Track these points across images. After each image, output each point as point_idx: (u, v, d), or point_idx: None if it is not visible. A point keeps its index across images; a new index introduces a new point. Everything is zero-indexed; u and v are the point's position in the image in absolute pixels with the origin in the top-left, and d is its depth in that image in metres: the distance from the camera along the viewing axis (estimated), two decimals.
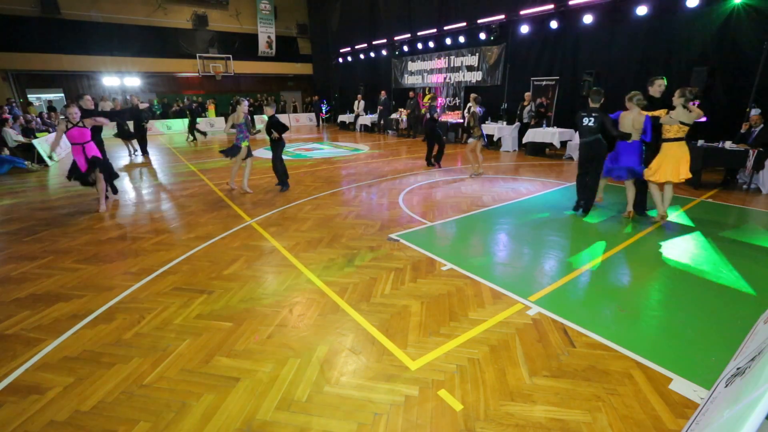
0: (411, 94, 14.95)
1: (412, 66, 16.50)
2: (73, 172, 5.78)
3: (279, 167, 6.92)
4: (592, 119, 5.03)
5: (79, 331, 2.90)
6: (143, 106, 10.95)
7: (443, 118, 13.85)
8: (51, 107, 16.66)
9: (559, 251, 4.26)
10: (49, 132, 11.75)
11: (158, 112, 18.50)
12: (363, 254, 4.21)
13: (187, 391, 2.28)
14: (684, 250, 4.21)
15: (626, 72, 9.45)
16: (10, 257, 4.31)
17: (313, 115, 22.05)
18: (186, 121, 16.79)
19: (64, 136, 5.68)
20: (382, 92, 16.45)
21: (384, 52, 17.63)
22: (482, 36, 12.79)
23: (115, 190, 6.75)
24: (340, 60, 20.95)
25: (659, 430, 1.97)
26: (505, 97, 12.67)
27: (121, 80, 19.27)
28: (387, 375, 2.38)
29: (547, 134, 10.14)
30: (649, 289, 3.41)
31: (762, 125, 6.71)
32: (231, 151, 6.60)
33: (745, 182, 6.93)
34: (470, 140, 8.01)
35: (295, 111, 22.38)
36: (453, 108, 14.67)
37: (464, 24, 13.44)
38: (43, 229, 5.19)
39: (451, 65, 14.66)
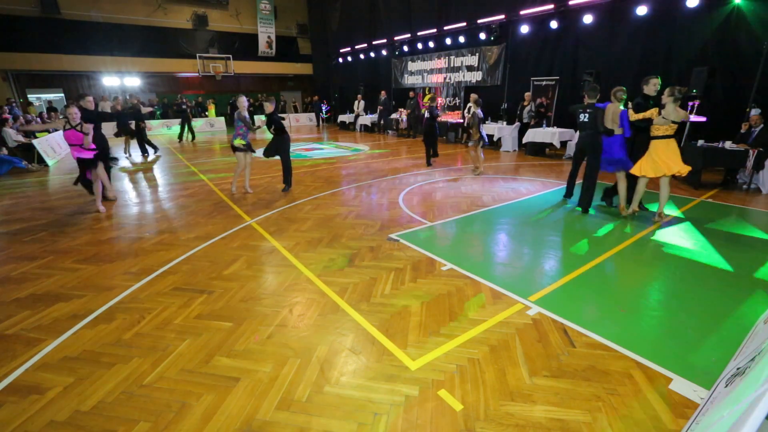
0: (411, 94, 14.95)
1: (412, 66, 16.50)
2: (80, 178, 5.78)
3: (288, 164, 6.90)
4: (587, 115, 5.23)
5: (79, 331, 2.90)
6: (146, 110, 10.86)
7: (443, 118, 13.85)
8: (51, 107, 16.66)
9: (559, 251, 4.26)
10: (49, 132, 11.74)
11: (158, 113, 18.50)
12: (363, 254, 4.21)
13: (187, 391, 2.28)
14: (684, 250, 4.21)
15: (626, 72, 9.44)
16: (10, 257, 4.31)
17: (313, 115, 22.05)
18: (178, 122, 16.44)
19: (62, 133, 5.66)
20: (382, 92, 16.45)
21: (384, 52, 17.64)
22: (482, 36, 12.79)
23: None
24: (340, 60, 20.96)
25: (659, 430, 1.97)
26: (505, 97, 12.66)
27: (121, 80, 19.27)
28: (387, 375, 2.38)
29: (547, 134, 10.14)
30: (649, 289, 3.41)
31: (762, 125, 6.72)
32: (248, 146, 6.53)
33: (745, 182, 6.93)
34: (470, 143, 8.14)
35: (294, 111, 22.38)
36: (453, 108, 14.67)
37: (464, 24, 13.44)
38: (43, 229, 5.19)
39: (451, 65, 14.66)
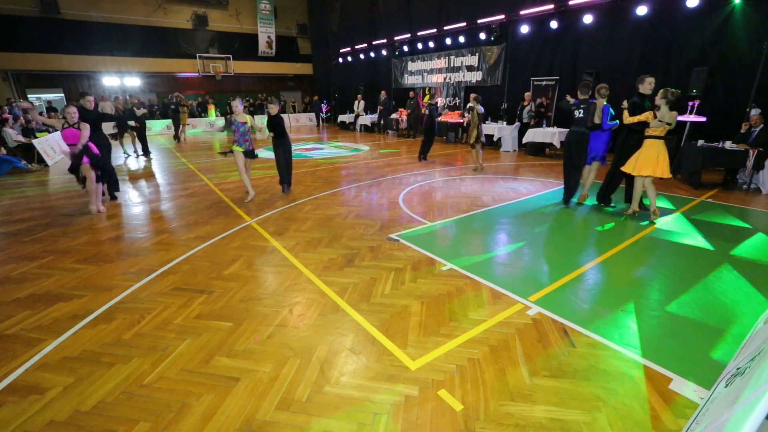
0: (411, 94, 14.95)
1: (412, 66, 16.50)
2: (72, 166, 5.75)
3: (290, 167, 6.89)
4: (582, 111, 5.45)
5: (79, 331, 2.90)
6: (140, 112, 10.81)
7: (444, 119, 13.85)
8: (51, 107, 16.65)
9: (559, 251, 4.26)
10: (50, 132, 11.74)
11: (157, 113, 18.47)
12: (363, 254, 4.21)
13: (187, 391, 2.28)
14: (684, 250, 4.21)
15: (626, 72, 9.44)
16: (10, 257, 4.31)
17: (313, 115, 22.06)
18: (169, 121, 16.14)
19: (60, 135, 5.64)
20: (382, 92, 16.45)
21: (384, 52, 17.63)
22: (482, 36, 12.78)
23: (113, 197, 6.68)
24: (340, 60, 20.95)
25: (659, 430, 1.97)
26: (505, 97, 12.66)
27: (121, 80, 19.27)
28: (387, 375, 2.38)
29: (547, 134, 10.14)
30: (649, 289, 3.41)
31: (762, 125, 6.72)
32: (251, 153, 6.29)
33: (745, 182, 6.93)
34: (471, 142, 8.37)
35: (293, 111, 22.38)
36: (453, 108, 14.67)
37: (464, 24, 13.43)
38: (43, 229, 5.19)
39: (451, 65, 14.66)
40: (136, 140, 11.40)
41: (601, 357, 2.50)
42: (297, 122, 21.66)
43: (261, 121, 6.23)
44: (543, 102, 11.21)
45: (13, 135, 10.16)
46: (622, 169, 5.15)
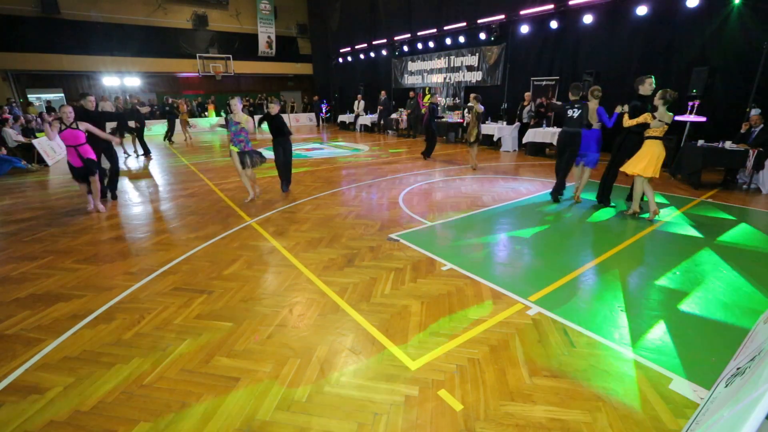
0: (411, 94, 14.95)
1: (412, 66, 16.50)
2: (72, 172, 5.73)
3: (289, 167, 6.88)
4: (576, 111, 5.54)
5: (79, 331, 2.90)
6: (144, 110, 10.87)
7: (445, 119, 13.86)
8: (50, 107, 16.65)
9: (558, 251, 4.26)
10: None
11: (158, 112, 18.47)
12: (363, 254, 4.21)
13: (187, 391, 2.28)
14: (683, 249, 4.20)
15: (626, 72, 9.44)
16: (10, 257, 4.31)
17: (312, 115, 22.06)
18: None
19: (58, 137, 5.56)
20: (382, 92, 16.45)
21: (384, 52, 17.63)
22: (482, 36, 12.79)
23: (114, 196, 6.68)
24: (340, 60, 20.95)
25: (659, 430, 1.97)
26: (505, 97, 12.67)
27: (121, 80, 19.26)
28: (387, 375, 2.38)
29: (547, 134, 10.14)
30: (649, 289, 3.41)
31: (762, 125, 6.72)
32: (260, 158, 6.18)
33: (745, 182, 6.93)
34: (471, 142, 8.58)
35: (292, 111, 22.38)
36: (453, 108, 14.67)
37: (464, 24, 13.43)
38: (43, 229, 5.19)
39: (451, 65, 14.66)
40: (136, 140, 11.42)
41: (601, 357, 2.50)
42: (297, 122, 21.65)
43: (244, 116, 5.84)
44: (543, 102, 11.20)
45: (13, 135, 10.16)
46: (622, 169, 5.14)
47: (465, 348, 2.62)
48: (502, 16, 12.09)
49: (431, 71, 15.64)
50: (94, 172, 5.73)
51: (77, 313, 3.14)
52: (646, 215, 5.12)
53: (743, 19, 7.83)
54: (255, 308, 3.18)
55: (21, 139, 10.28)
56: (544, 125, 10.74)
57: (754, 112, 7.02)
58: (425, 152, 10.20)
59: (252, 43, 21.70)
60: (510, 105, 12.29)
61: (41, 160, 10.26)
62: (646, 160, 4.85)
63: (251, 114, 17.81)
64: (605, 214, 5.49)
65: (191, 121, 17.72)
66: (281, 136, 6.57)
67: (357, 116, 17.90)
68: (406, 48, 16.19)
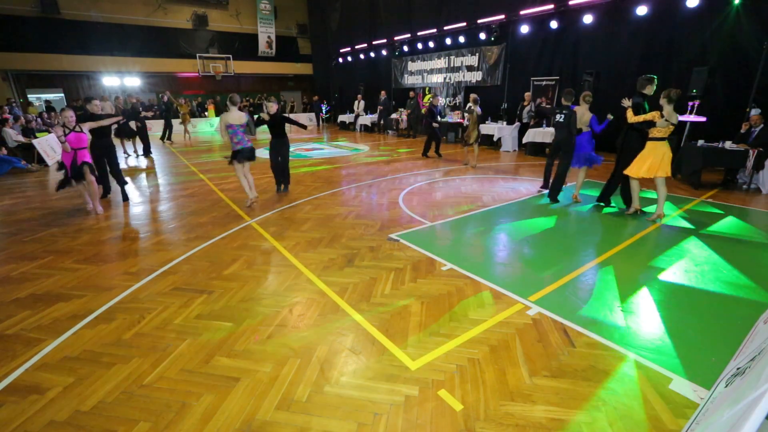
0: (411, 94, 14.95)
1: (412, 66, 16.50)
2: (65, 171, 5.66)
3: (287, 167, 6.88)
4: (563, 116, 5.68)
5: (79, 331, 2.90)
6: (150, 113, 10.90)
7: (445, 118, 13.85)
8: (49, 107, 16.65)
9: (558, 251, 4.26)
10: (50, 132, 11.74)
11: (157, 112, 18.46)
12: (363, 254, 4.21)
13: (187, 391, 2.28)
14: (684, 249, 4.20)
15: (626, 72, 9.45)
16: (10, 257, 4.31)
17: (312, 115, 22.07)
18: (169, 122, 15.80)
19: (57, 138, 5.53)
20: (382, 92, 16.45)
21: (384, 52, 17.63)
22: (482, 36, 12.79)
23: (125, 197, 6.54)
24: (340, 60, 20.95)
25: (659, 430, 1.97)
26: (505, 97, 12.66)
27: (121, 80, 19.26)
28: (387, 375, 2.38)
29: (547, 134, 10.13)
30: (649, 289, 3.41)
31: (762, 125, 6.72)
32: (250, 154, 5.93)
33: (745, 182, 6.93)
34: (470, 141, 8.75)
35: (291, 111, 22.37)
36: (453, 108, 14.67)
37: (464, 24, 13.43)
38: (43, 229, 5.19)
39: (451, 65, 14.66)
40: (137, 140, 11.41)
41: (601, 357, 2.50)
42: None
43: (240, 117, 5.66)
44: (543, 102, 11.21)
45: (13, 135, 10.16)
46: (626, 172, 5.07)
47: (465, 348, 2.62)
48: (502, 16, 12.09)
49: (431, 71, 15.64)
50: (83, 175, 5.66)
51: (77, 313, 3.14)
52: (651, 209, 5.10)
53: (743, 19, 7.83)
54: (255, 308, 3.18)
55: (21, 139, 10.27)
56: (544, 125, 10.73)
57: (754, 112, 7.02)
58: (424, 151, 10.40)
59: (252, 43, 21.69)
60: (510, 105, 12.29)
61: (41, 160, 10.25)
62: (649, 162, 4.82)
63: (251, 114, 17.78)
64: (605, 214, 5.49)
65: (192, 121, 17.73)
66: (280, 137, 6.55)
67: (357, 116, 17.90)
68: (406, 48, 16.19)
